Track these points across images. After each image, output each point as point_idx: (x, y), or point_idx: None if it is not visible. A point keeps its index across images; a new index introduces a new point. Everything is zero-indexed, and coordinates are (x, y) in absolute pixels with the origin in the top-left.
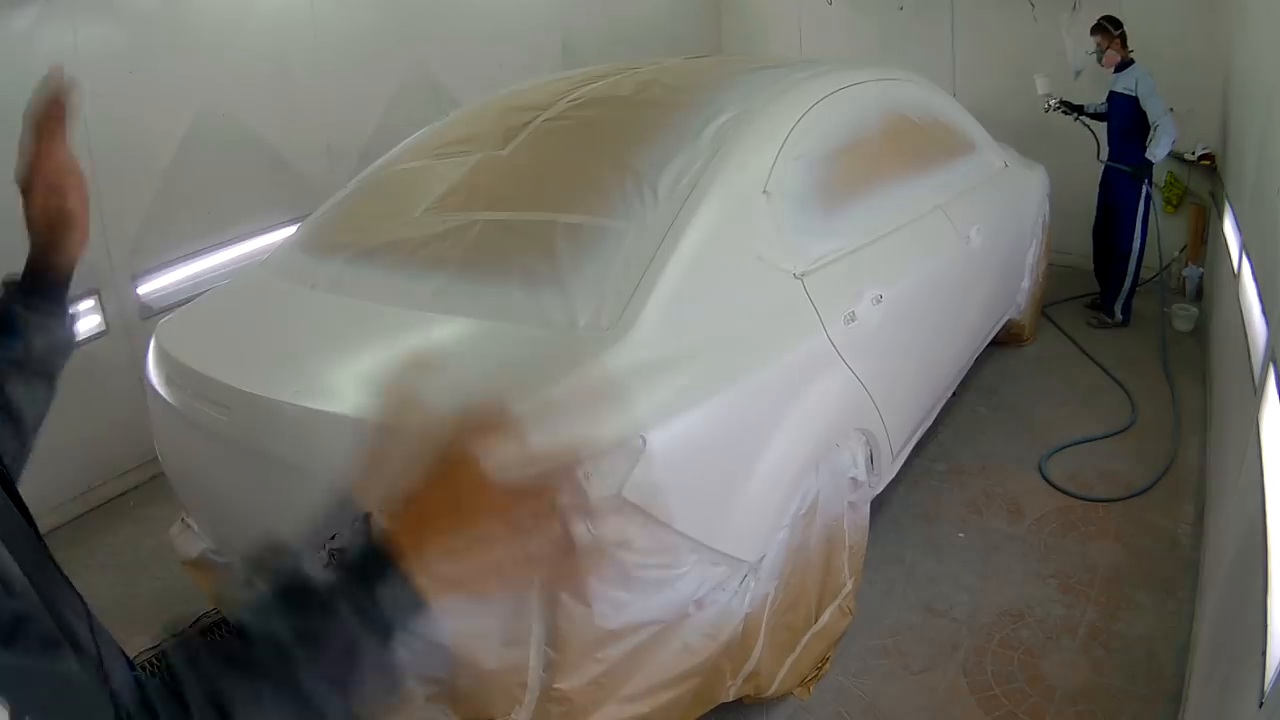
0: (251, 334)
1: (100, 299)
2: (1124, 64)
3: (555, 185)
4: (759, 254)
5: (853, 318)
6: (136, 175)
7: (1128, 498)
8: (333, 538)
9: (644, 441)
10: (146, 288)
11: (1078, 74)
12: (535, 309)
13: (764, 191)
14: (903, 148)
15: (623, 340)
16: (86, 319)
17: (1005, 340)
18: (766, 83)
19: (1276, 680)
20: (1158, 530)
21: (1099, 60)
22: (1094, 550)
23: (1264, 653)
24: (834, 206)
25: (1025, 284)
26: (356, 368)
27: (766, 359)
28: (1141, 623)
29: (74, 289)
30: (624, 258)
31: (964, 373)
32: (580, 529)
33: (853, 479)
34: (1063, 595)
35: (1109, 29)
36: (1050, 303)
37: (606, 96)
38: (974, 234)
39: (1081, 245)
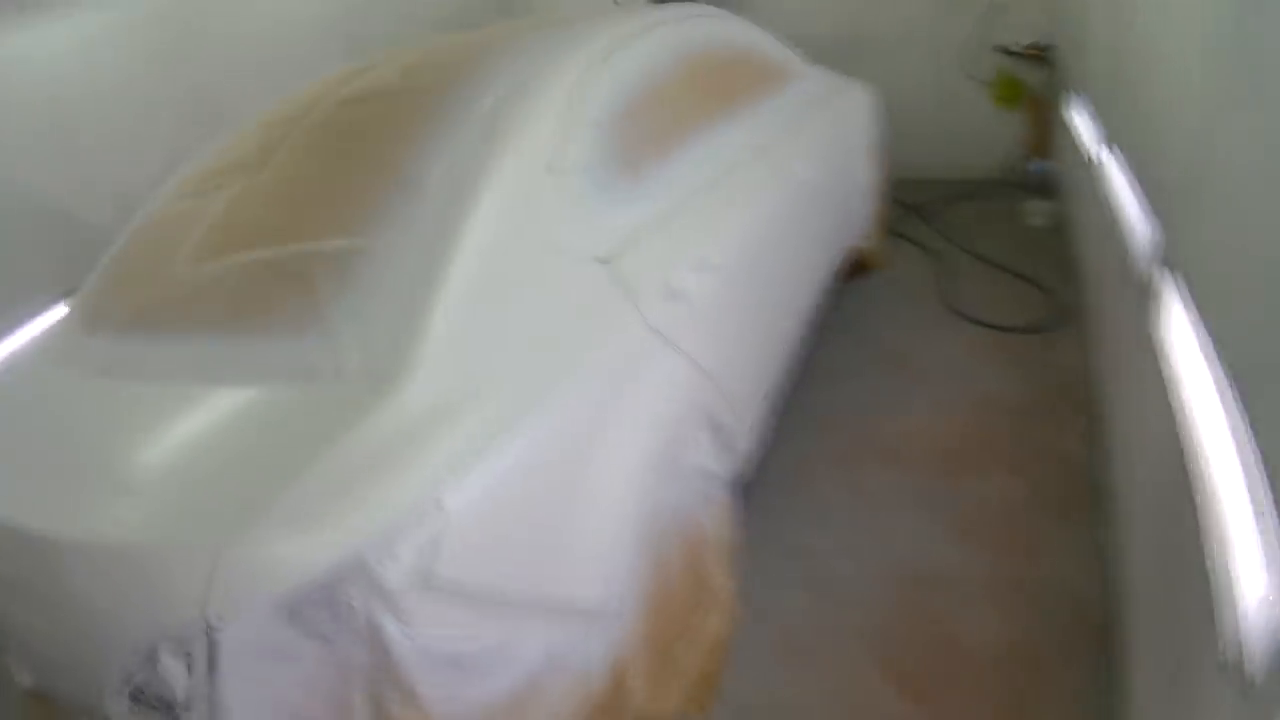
0: (14, 447)
1: None
2: None
3: (314, 206)
4: (552, 244)
5: (674, 294)
6: None
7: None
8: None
9: (440, 505)
10: None
11: None
12: (300, 363)
13: (548, 170)
14: (710, 92)
15: (398, 385)
16: None
17: (860, 270)
18: (545, 46)
19: (1235, 636)
20: (1050, 452)
21: None
22: (985, 486)
23: (1212, 606)
24: (638, 172)
25: (864, 209)
26: (122, 477)
27: (574, 368)
28: (1054, 564)
29: None
30: (389, 281)
31: (816, 313)
32: (389, 627)
33: (704, 470)
34: (962, 545)
35: None
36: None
37: (370, 91)
38: (799, 168)
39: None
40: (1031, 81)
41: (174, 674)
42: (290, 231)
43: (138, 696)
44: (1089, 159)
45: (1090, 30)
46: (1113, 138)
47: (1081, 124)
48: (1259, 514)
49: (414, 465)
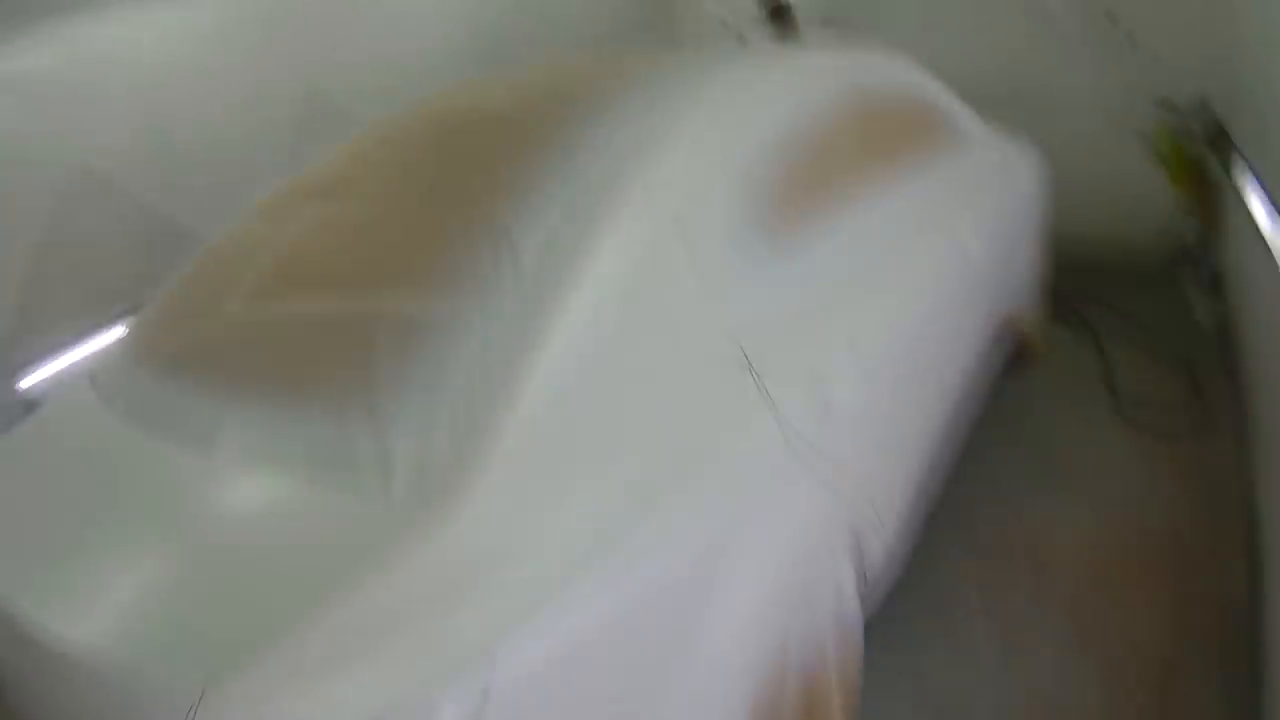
0: (30, 499)
1: None
2: None
3: (389, 252)
4: (673, 326)
5: (822, 392)
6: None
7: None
8: None
9: (492, 658)
10: (30, 380)
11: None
12: (343, 453)
13: (677, 231)
14: (876, 148)
15: (453, 505)
16: None
17: (1018, 360)
18: (687, 80)
19: None
20: (1210, 587)
21: None
22: (1134, 616)
23: None
24: (787, 240)
25: (1028, 289)
26: (121, 565)
27: (687, 487)
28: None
29: None
30: (460, 364)
31: (971, 407)
32: None
33: (836, 602)
34: (1106, 686)
35: None
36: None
37: (477, 117)
38: (970, 245)
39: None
40: (1198, 141)
41: None
42: (357, 281)
43: None
44: (1267, 239)
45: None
46: None
47: (1259, 197)
48: None
49: (463, 609)
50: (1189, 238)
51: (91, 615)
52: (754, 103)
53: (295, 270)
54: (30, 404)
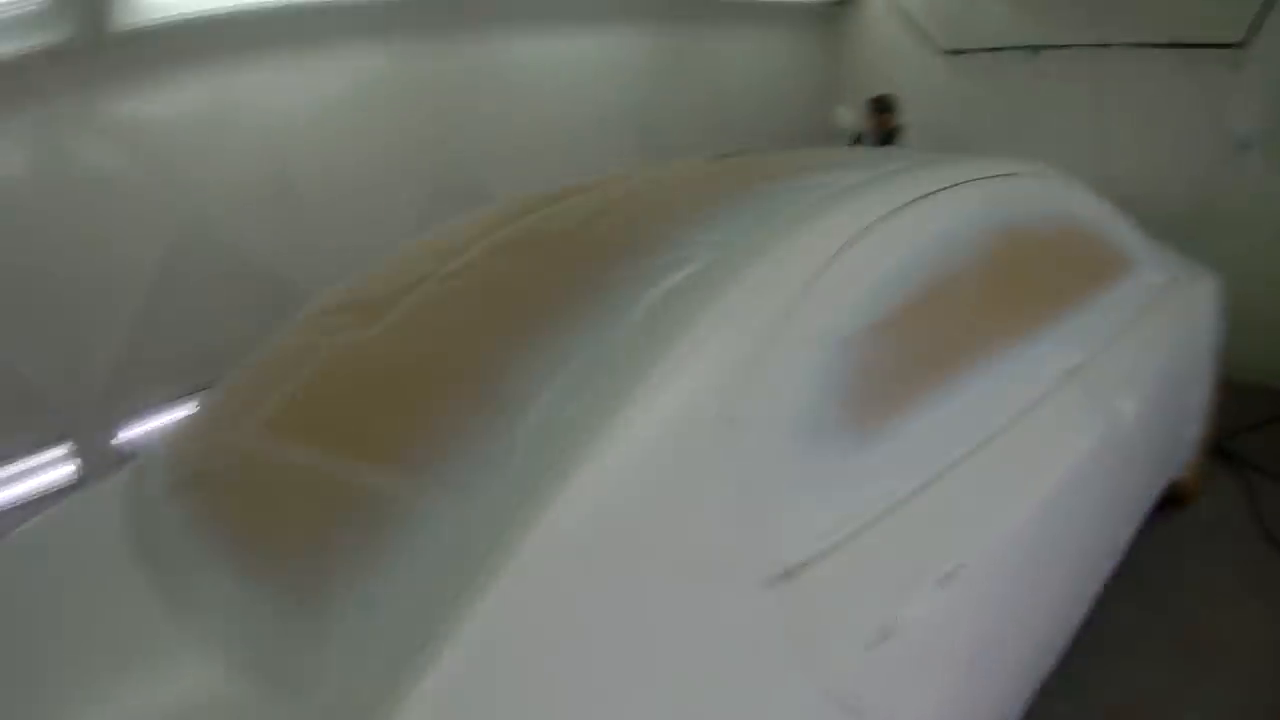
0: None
1: (75, 446)
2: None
3: (394, 403)
4: (699, 550)
5: (886, 633)
6: (109, 307)
7: None
8: None
9: None
10: (127, 434)
11: (1245, 147)
12: (289, 658)
13: (722, 420)
14: (1010, 292)
15: None
16: (58, 469)
17: (1164, 503)
18: (785, 200)
19: None
20: None
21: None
22: None
23: None
24: (879, 422)
25: (1190, 434)
26: None
27: None
28: None
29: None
30: (420, 568)
31: (1106, 580)
32: None
33: None
34: None
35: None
36: (1226, 436)
37: (536, 236)
38: (1121, 401)
39: (1264, 355)
40: None
41: None
42: (356, 434)
43: None
44: None
45: None
46: None
47: None
48: None
49: None
50: None
51: None
52: (852, 241)
53: (306, 406)
54: (126, 458)
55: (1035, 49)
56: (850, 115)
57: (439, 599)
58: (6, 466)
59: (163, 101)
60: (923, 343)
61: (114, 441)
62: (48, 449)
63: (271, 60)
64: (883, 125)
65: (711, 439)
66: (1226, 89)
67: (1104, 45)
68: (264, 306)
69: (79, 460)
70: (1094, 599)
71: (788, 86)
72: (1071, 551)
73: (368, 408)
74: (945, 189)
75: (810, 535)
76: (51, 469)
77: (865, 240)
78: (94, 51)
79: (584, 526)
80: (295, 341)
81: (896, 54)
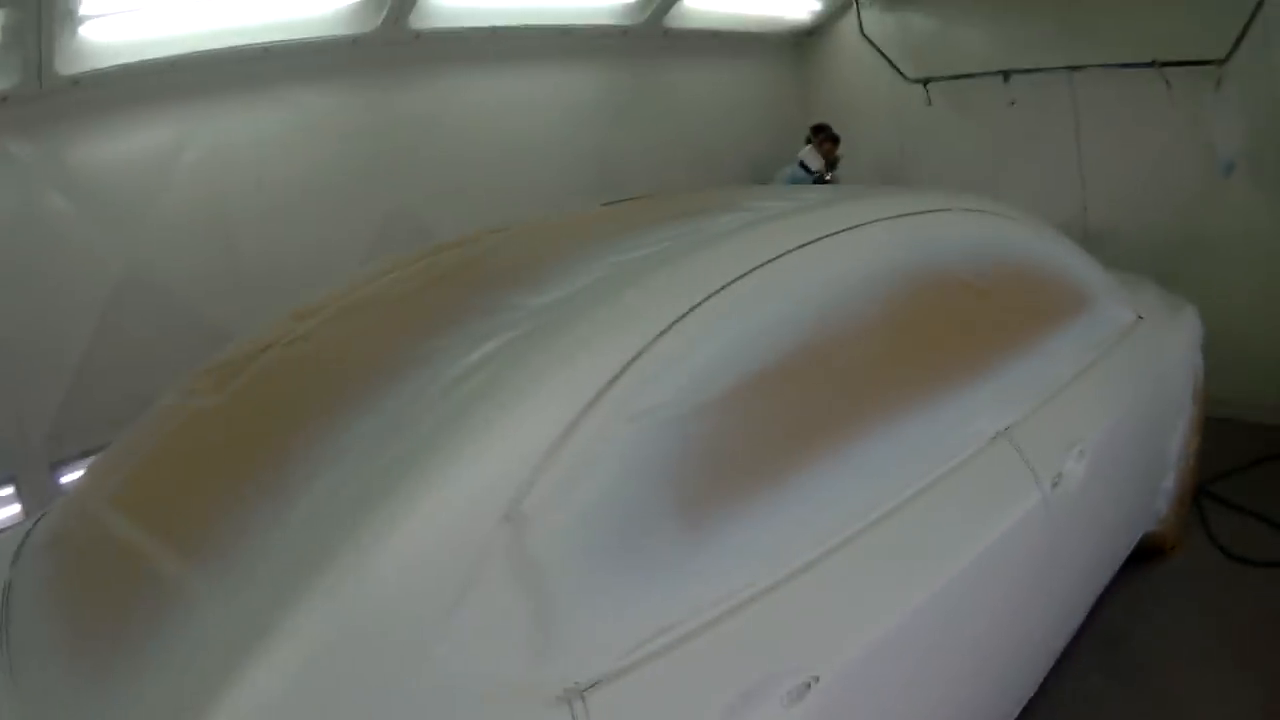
0: None
1: (18, 487)
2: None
3: (205, 482)
4: (473, 667)
5: None
6: (54, 353)
7: None
8: None
9: None
10: (70, 476)
11: (1228, 169)
12: None
13: (509, 519)
14: (931, 340)
15: None
16: (4, 507)
17: (1139, 553)
18: (643, 253)
19: None
20: None
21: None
22: None
23: None
24: (721, 511)
25: (1168, 483)
26: None
27: None
28: None
29: None
30: (184, 664)
31: (1067, 638)
32: None
33: None
34: None
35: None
36: (1208, 480)
37: (372, 304)
38: (1073, 462)
39: (1250, 390)
40: None
41: None
42: (169, 512)
43: None
44: None
45: None
46: None
47: None
48: None
49: None
50: None
51: None
52: (708, 301)
53: (148, 479)
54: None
55: (1006, 74)
56: (816, 157)
57: (192, 691)
58: None
59: (106, 147)
60: (791, 412)
61: (59, 482)
62: None
63: (216, 104)
64: (826, 154)
65: (490, 538)
66: (1208, 109)
67: (1077, 68)
68: (203, 350)
69: (21, 502)
70: (1033, 685)
71: (756, 119)
72: (991, 646)
73: (184, 486)
74: (845, 231)
75: (612, 648)
76: None
77: (723, 296)
78: (37, 99)
79: (335, 632)
80: (162, 408)
81: (868, 84)
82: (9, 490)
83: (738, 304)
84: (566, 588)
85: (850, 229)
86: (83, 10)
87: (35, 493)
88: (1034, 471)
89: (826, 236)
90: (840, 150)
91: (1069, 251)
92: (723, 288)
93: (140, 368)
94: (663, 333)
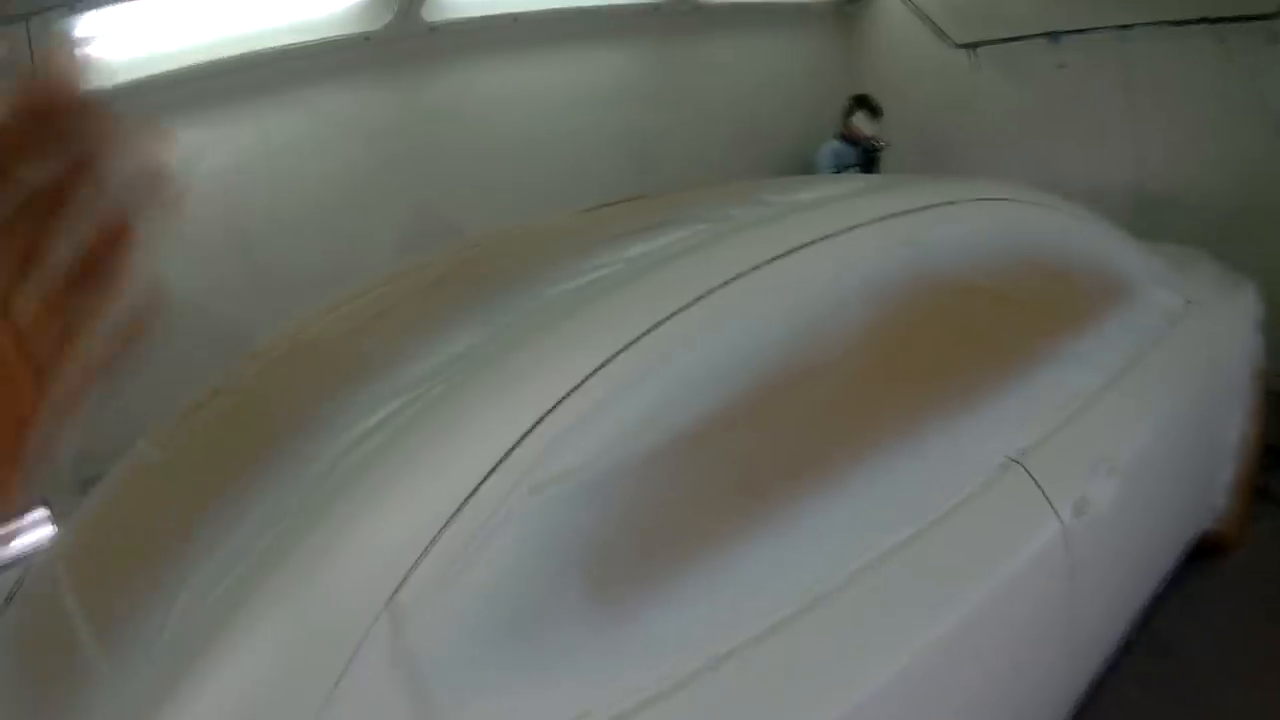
0: None
1: (51, 510)
2: None
3: (122, 558)
4: None
5: None
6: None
7: None
8: None
9: None
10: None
11: None
12: None
13: (386, 609)
14: (931, 357)
15: None
16: (38, 531)
17: (1197, 550)
18: (587, 280)
19: None
20: None
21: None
22: None
23: None
24: (656, 586)
25: (1225, 476)
26: None
27: None
28: None
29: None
30: None
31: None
32: None
33: None
34: None
35: None
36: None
37: (296, 354)
38: (1102, 481)
39: None
40: None
41: None
42: (100, 586)
43: None
44: None
45: None
46: None
47: None
48: None
49: None
50: None
51: None
52: (646, 338)
53: (85, 549)
54: None
55: (1054, 35)
56: (870, 123)
57: None
58: None
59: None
60: (743, 465)
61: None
62: (28, 511)
63: (230, 111)
64: (854, 135)
65: (366, 632)
66: (1266, 67)
67: (1127, 26)
68: (228, 360)
69: (55, 525)
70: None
71: (798, 94)
72: (994, 702)
73: (112, 556)
74: (822, 240)
75: None
76: (34, 530)
77: (655, 337)
78: None
79: None
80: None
81: (912, 51)
82: (41, 514)
83: (677, 343)
84: (452, 686)
85: (829, 237)
86: None
87: (69, 513)
88: (1051, 500)
89: (799, 249)
90: (878, 122)
91: (1107, 236)
92: (653, 327)
93: (167, 381)
94: (577, 387)
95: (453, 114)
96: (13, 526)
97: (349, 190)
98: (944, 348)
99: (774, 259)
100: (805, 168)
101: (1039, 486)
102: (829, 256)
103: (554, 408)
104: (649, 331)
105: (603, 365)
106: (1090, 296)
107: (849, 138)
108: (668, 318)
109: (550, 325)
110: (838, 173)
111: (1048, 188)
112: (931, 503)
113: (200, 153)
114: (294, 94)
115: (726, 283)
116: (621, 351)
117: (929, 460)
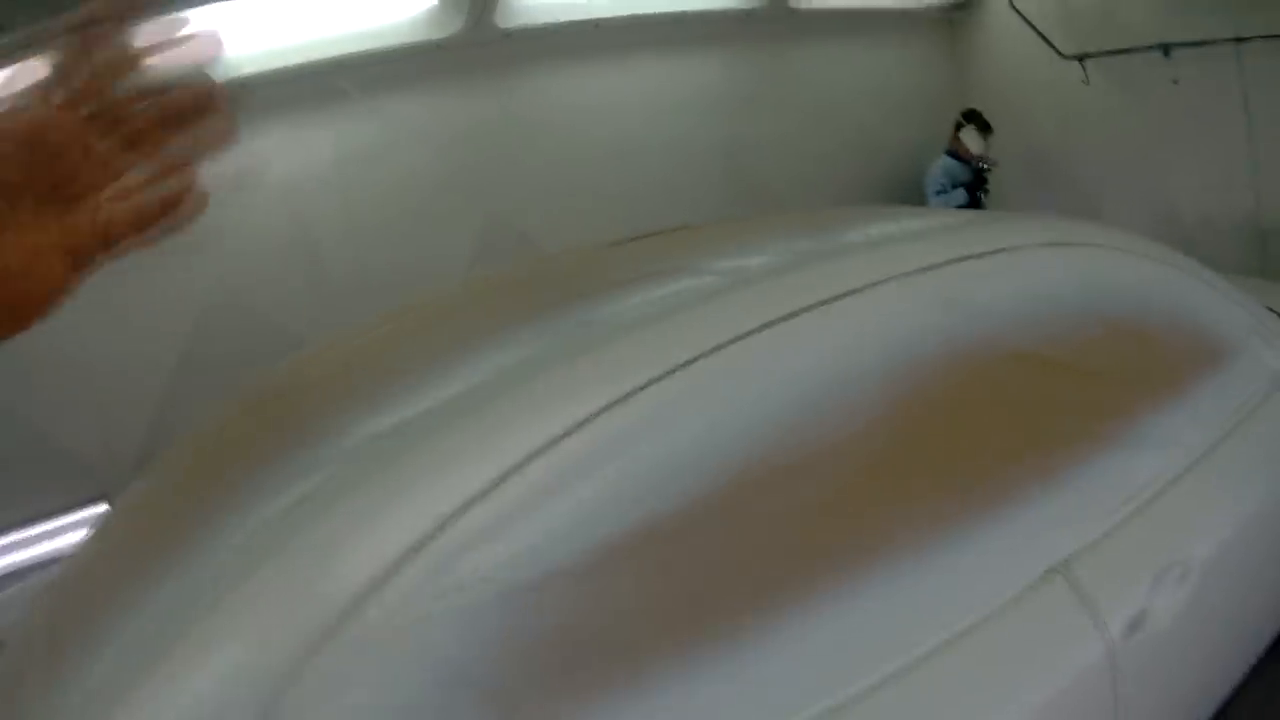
0: None
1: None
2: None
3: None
4: None
5: None
6: (140, 375)
7: None
8: None
9: None
10: None
11: None
12: None
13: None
14: (966, 444)
15: None
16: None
17: None
18: (539, 344)
19: None
20: None
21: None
22: None
23: None
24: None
25: None
26: None
27: None
28: None
29: (77, 495)
30: None
31: None
32: None
33: None
34: None
35: None
36: None
37: (251, 405)
38: (1168, 591)
39: None
40: None
41: None
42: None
43: None
44: None
45: None
46: None
47: None
48: None
49: None
50: None
51: None
52: (593, 421)
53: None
54: None
55: (1166, 48)
56: (979, 139)
57: None
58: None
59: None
60: (735, 562)
61: None
62: (83, 509)
63: (299, 118)
64: (962, 153)
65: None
66: None
67: (1243, 40)
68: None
69: None
70: None
71: (904, 104)
72: None
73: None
74: (829, 302)
75: None
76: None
77: (606, 419)
78: None
79: None
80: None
81: (1022, 63)
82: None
83: (643, 423)
84: None
85: (838, 298)
86: None
87: None
88: (1096, 616)
89: (799, 313)
90: (988, 139)
91: (1207, 287)
92: (611, 404)
93: (224, 386)
94: (509, 472)
95: (529, 122)
96: (73, 518)
97: (419, 199)
98: (985, 430)
99: (771, 323)
100: (914, 185)
101: (1084, 602)
102: (838, 322)
103: (473, 501)
104: (606, 409)
105: (545, 448)
106: (1178, 361)
107: (958, 155)
108: (631, 393)
109: (476, 408)
110: (949, 192)
111: (1157, 214)
112: (946, 623)
113: (270, 159)
114: (365, 101)
115: (705, 354)
116: (572, 431)
117: (943, 577)
